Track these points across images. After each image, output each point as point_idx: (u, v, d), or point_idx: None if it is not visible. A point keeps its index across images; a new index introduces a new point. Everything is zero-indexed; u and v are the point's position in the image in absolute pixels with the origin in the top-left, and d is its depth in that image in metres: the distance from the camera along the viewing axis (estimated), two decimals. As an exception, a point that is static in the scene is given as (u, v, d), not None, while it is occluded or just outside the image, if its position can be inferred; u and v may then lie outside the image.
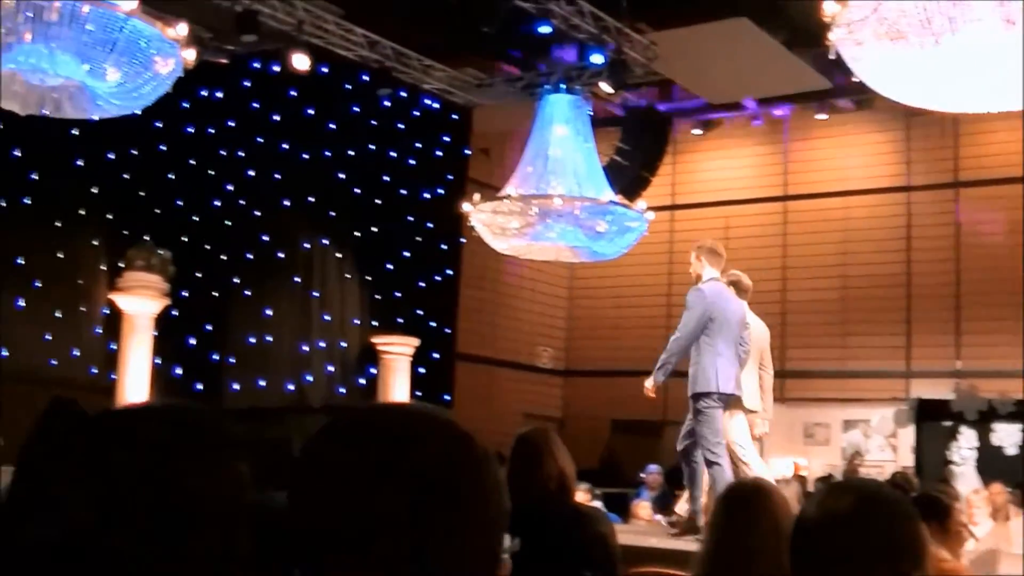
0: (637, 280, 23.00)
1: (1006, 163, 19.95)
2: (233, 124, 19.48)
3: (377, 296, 20.06)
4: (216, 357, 19.01)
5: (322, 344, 19.62)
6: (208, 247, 19.36)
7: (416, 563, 1.59)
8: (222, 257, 19.40)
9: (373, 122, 19.78)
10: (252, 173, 19.43)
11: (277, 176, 19.35)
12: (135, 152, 18.59)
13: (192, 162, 19.32)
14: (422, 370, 19.68)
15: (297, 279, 19.51)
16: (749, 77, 18.94)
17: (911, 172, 21.88)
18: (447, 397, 19.47)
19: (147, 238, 17.90)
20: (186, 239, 18.92)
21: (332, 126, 19.57)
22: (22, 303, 17.21)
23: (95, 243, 18.18)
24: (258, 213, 19.34)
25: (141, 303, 17.75)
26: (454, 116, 20.74)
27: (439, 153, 20.62)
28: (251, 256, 19.31)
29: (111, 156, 18.35)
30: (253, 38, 17.09)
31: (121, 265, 17.75)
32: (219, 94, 19.31)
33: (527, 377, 23.63)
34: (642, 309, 23.03)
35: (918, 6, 9.76)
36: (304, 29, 17.52)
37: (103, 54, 10.87)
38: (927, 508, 5.38)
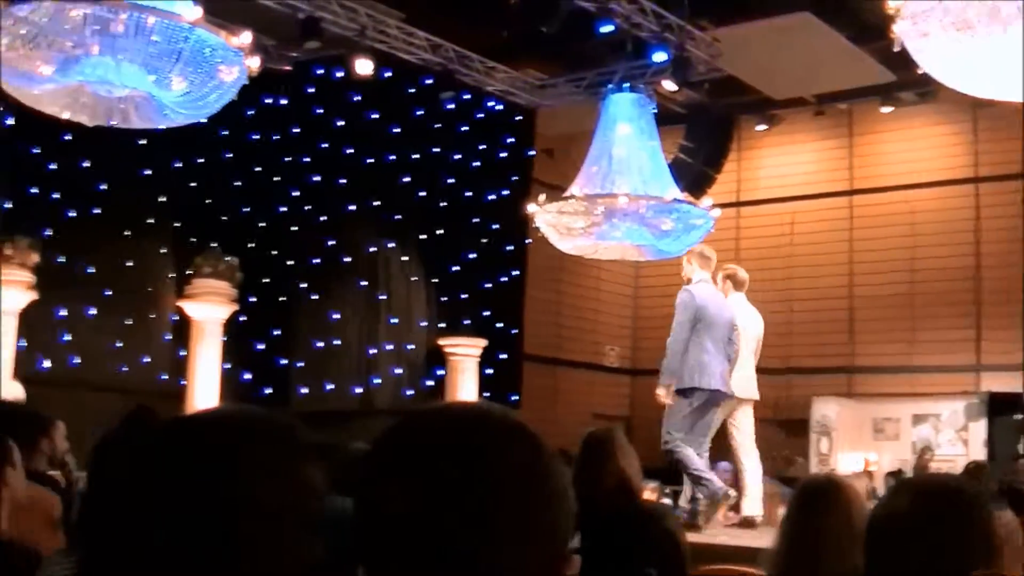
0: (704, 277, 22.91)
1: (1076, 152, 19.74)
2: (297, 130, 19.60)
3: (443, 298, 20.09)
4: (284, 361, 19.14)
5: (389, 347, 19.67)
6: (274, 253, 19.49)
7: (486, 565, 1.59)
8: (288, 262, 19.53)
9: (436, 125, 19.79)
10: (317, 178, 19.54)
11: (342, 181, 19.44)
12: (201, 160, 18.77)
13: (257, 169, 19.46)
14: (489, 371, 19.69)
15: (363, 283, 19.58)
16: (813, 72, 18.82)
17: (978, 164, 21.65)
18: (514, 398, 19.47)
19: (214, 245, 18.07)
20: (253, 245, 19.07)
21: (396, 130, 19.61)
22: (93, 311, 17.41)
23: (163, 251, 18.35)
24: (323, 218, 19.44)
25: (209, 309, 17.91)
26: (517, 117, 20.72)
27: (503, 155, 20.61)
28: (317, 261, 19.42)
29: (178, 165, 18.53)
30: (316, 44, 17.15)
31: (189, 272, 17.94)
32: (283, 101, 19.42)
33: (594, 376, 23.59)
34: (709, 307, 22.94)
35: (984, -5, 9.68)
36: (367, 34, 17.57)
37: (168, 64, 10.92)
38: (1015, 500, 5.34)
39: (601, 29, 16.76)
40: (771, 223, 23.09)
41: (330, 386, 19.00)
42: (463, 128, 20.19)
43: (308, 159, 19.59)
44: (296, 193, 19.63)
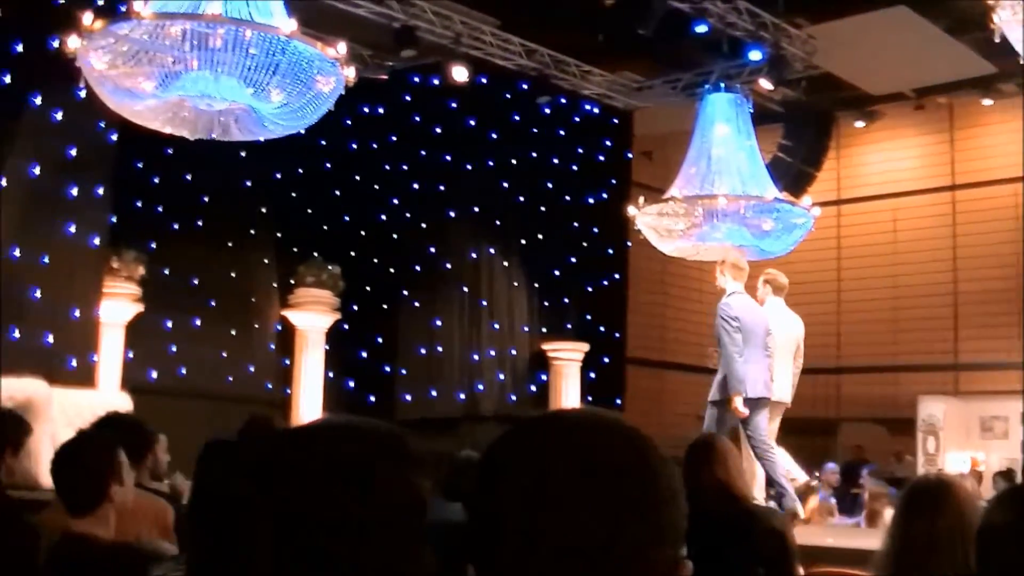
0: (805, 277, 22.65)
1: None
2: (395, 138, 19.69)
3: (545, 303, 20.09)
4: (388, 369, 19.21)
5: (492, 352, 19.68)
6: (376, 260, 19.59)
7: (600, 569, 1.59)
8: (390, 270, 19.61)
9: (534, 130, 19.80)
10: (416, 186, 19.61)
11: (441, 188, 19.50)
12: (301, 171, 18.92)
13: (357, 178, 19.58)
14: (592, 375, 19.66)
15: (465, 288, 19.60)
16: (910, 66, 18.61)
17: (1086, 154, 21.30)
18: (618, 401, 19.40)
19: (316, 254, 18.22)
20: (354, 254, 19.18)
21: (494, 135, 19.65)
22: (198, 322, 17.61)
23: (266, 261, 18.52)
24: (424, 225, 19.50)
25: (313, 318, 18.06)
26: (615, 120, 20.67)
27: (601, 158, 20.56)
28: (419, 268, 19.48)
29: (278, 176, 18.70)
30: (412, 53, 17.25)
31: (292, 282, 18.10)
32: (381, 109, 19.52)
33: (697, 379, 23.36)
34: (811, 306, 22.67)
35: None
36: (462, 41, 17.63)
37: (266, 76, 11.02)
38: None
39: (696, 29, 16.68)
40: (873, 220, 22.87)
41: (434, 393, 19.04)
42: (561, 132, 20.17)
43: (407, 167, 19.66)
44: (396, 201, 19.71)
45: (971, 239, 21.91)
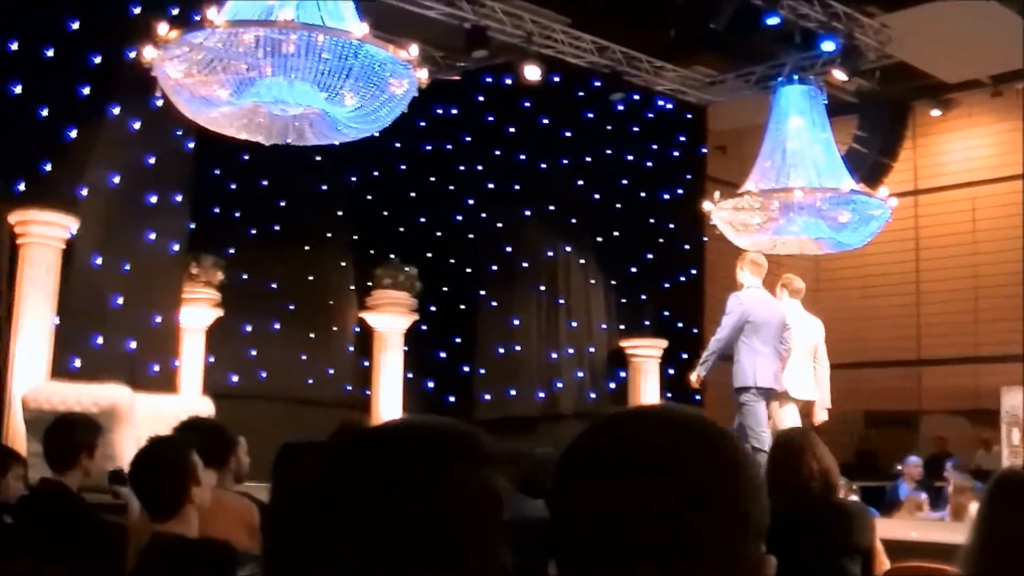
0: (884, 268, 22.56)
1: None
2: (469, 139, 19.73)
3: (622, 300, 20.05)
4: (466, 369, 19.24)
5: (570, 350, 19.66)
6: (453, 261, 19.63)
7: (682, 566, 1.59)
8: (467, 270, 19.65)
9: (608, 127, 19.76)
10: (491, 185, 19.63)
11: (516, 187, 19.51)
12: (376, 173, 19.03)
13: (432, 179, 19.62)
14: (671, 371, 19.57)
15: (542, 287, 19.59)
16: (986, 52, 18.39)
17: None
18: (697, 397, 19.29)
19: (393, 256, 18.29)
20: (431, 255, 19.24)
21: (567, 134, 19.63)
22: (278, 326, 17.74)
23: (343, 264, 18.61)
24: (500, 224, 19.51)
25: (391, 320, 18.13)
26: (688, 115, 20.61)
27: (676, 153, 20.50)
28: (495, 267, 19.50)
29: (353, 179, 18.81)
30: (484, 53, 17.29)
31: (369, 284, 18.19)
32: (454, 110, 19.58)
33: (776, 373, 23.35)
34: (891, 298, 22.60)
35: None
36: (533, 40, 17.66)
37: (340, 80, 11.08)
38: None
39: (768, 21, 16.58)
40: (952, 210, 22.63)
41: (513, 392, 19.04)
42: (634, 129, 20.13)
43: (482, 167, 19.69)
44: (471, 201, 19.74)
45: (1052, 226, 21.64)
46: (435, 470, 1.83)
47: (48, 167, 13.16)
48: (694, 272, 20.34)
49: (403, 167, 19.46)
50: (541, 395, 19.15)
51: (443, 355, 19.42)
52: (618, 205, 19.94)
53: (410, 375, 18.53)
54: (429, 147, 19.58)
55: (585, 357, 19.80)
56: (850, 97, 19.26)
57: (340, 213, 18.69)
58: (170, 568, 4.73)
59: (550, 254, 19.60)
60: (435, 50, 17.93)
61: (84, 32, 13.37)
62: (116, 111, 13.70)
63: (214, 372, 16.52)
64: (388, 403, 17.78)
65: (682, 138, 20.56)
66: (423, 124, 18.53)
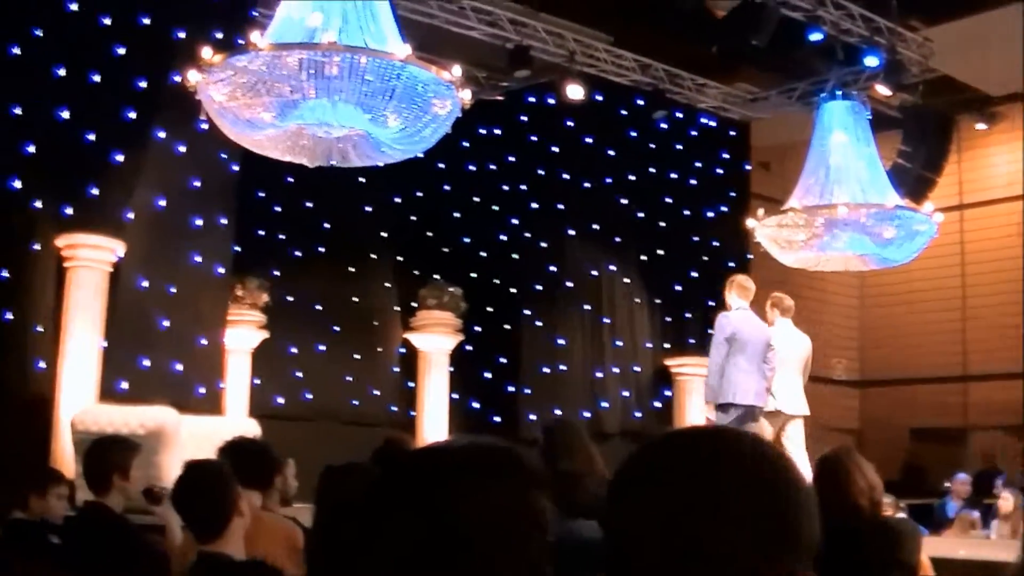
0: (929, 284, 22.39)
1: None
2: (513, 158, 19.74)
3: (667, 318, 20.01)
4: (511, 388, 19.22)
5: (616, 369, 19.62)
6: (497, 281, 19.63)
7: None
8: (512, 290, 19.64)
9: (651, 145, 19.74)
10: (535, 205, 19.64)
11: (560, 206, 19.50)
12: (420, 194, 19.07)
13: (476, 199, 19.66)
14: (716, 389, 19.50)
15: (587, 306, 19.57)
16: (1029, 64, 18.28)
17: None
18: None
19: (437, 277, 18.32)
20: (475, 275, 19.25)
21: (611, 152, 19.63)
22: (323, 347, 17.80)
23: (388, 285, 18.66)
24: (544, 244, 19.51)
25: (436, 340, 18.16)
26: (732, 132, 20.57)
27: (719, 170, 20.45)
28: (540, 287, 19.48)
29: (397, 199, 18.86)
30: (526, 73, 17.33)
31: (414, 304, 18.21)
32: (497, 130, 19.60)
33: (823, 390, 23.19)
34: (937, 313, 22.44)
35: None
36: (576, 59, 17.69)
37: (383, 102, 11.13)
38: None
39: (810, 37, 16.53)
40: (997, 224, 22.42)
41: (558, 411, 18.99)
42: (678, 146, 20.10)
43: (525, 186, 19.71)
44: (515, 221, 19.74)
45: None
46: (480, 491, 1.83)
47: (95, 191, 13.27)
48: (739, 290, 20.27)
49: (447, 187, 19.51)
50: (586, 414, 19.09)
51: (488, 375, 19.42)
52: (662, 223, 19.90)
53: (455, 395, 18.54)
54: (473, 167, 19.62)
55: (630, 376, 19.75)
56: (894, 112, 19.16)
57: (384, 234, 18.74)
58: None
59: (594, 273, 19.57)
60: (478, 70, 17.98)
61: (130, 57, 13.50)
62: (162, 135, 13.80)
63: (260, 393, 16.59)
64: (433, 424, 17.80)
65: (725, 155, 20.51)
66: (467, 144, 18.57)
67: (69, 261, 13.18)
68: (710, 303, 19.59)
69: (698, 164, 20.19)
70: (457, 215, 19.58)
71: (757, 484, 1.65)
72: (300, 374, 17.59)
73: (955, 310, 22.12)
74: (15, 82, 13.19)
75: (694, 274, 19.89)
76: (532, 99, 19.24)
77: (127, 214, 13.50)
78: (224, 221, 14.66)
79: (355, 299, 18.24)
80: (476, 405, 19.08)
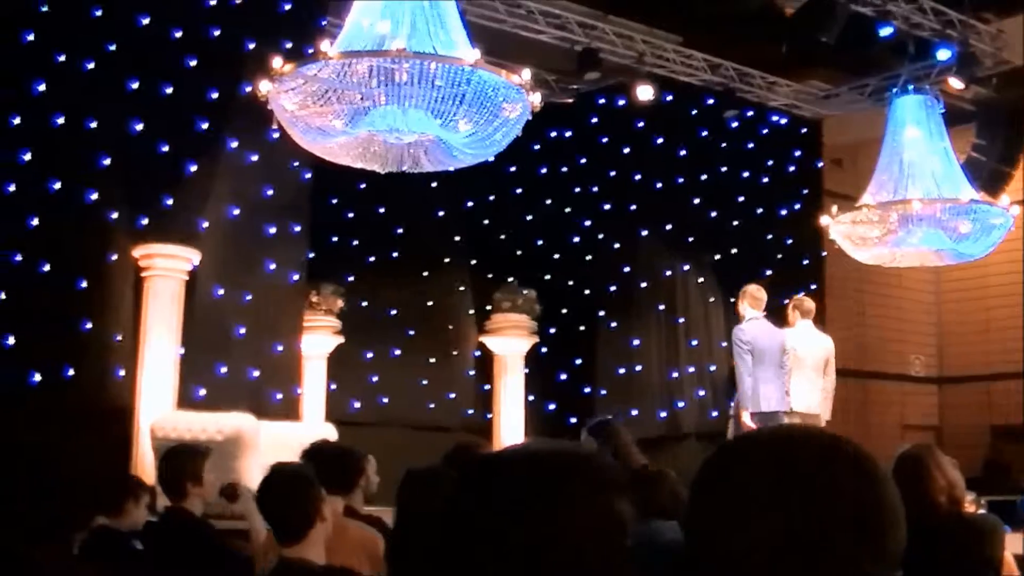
0: (1007, 279, 22.10)
1: None
2: (584, 160, 19.76)
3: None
4: (587, 390, 19.21)
5: (691, 369, 19.54)
6: (571, 283, 19.65)
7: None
8: (585, 291, 19.65)
9: (722, 144, 19.66)
10: (607, 206, 19.63)
11: (632, 207, 19.47)
12: (492, 198, 19.11)
13: (548, 201, 19.68)
14: (793, 388, 19.39)
15: (661, 307, 19.52)
16: (1107, 52, 18.05)
17: None
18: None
19: (511, 279, 18.31)
20: (549, 277, 19.26)
21: (682, 152, 19.56)
22: (398, 352, 17.87)
23: (462, 288, 18.69)
24: (617, 245, 19.48)
25: (510, 343, 18.16)
26: (803, 130, 20.47)
27: (792, 168, 20.36)
28: (614, 288, 19.46)
29: (470, 204, 18.90)
30: (596, 75, 17.35)
31: (488, 308, 18.23)
32: (568, 133, 19.63)
33: (900, 387, 23.03)
34: (1015, 308, 22.14)
35: None
36: (645, 60, 17.67)
37: (453, 107, 11.15)
38: None
39: (881, 32, 16.40)
40: (1075, 216, 22.17)
41: (635, 412, 18.94)
42: (749, 145, 20.01)
43: (597, 188, 19.71)
44: (588, 223, 19.74)
45: None
46: (558, 495, 1.83)
47: (169, 201, 13.39)
48: (813, 287, 20.09)
49: (519, 191, 19.54)
50: (663, 415, 19.05)
51: (564, 377, 19.43)
52: (735, 222, 19.81)
53: (531, 398, 18.53)
54: (544, 170, 19.64)
55: (706, 376, 19.65)
56: (968, 105, 18.99)
57: (457, 238, 18.78)
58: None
59: (668, 273, 19.52)
60: (547, 73, 18.01)
61: (201, 68, 13.62)
62: (234, 144, 13.90)
63: (336, 399, 16.67)
64: (509, 427, 17.80)
65: (797, 153, 20.42)
66: (537, 147, 18.59)
67: (146, 271, 13.31)
68: (784, 301, 19.54)
69: (770, 162, 20.10)
70: (529, 218, 19.61)
71: (849, 494, 1.65)
72: (376, 379, 17.67)
73: (1032, 306, 21.89)
74: (90, 97, 13.34)
75: (768, 272, 19.76)
76: (602, 101, 19.25)
77: (202, 224, 13.61)
78: (297, 229, 14.75)
79: (429, 303, 18.30)
80: (552, 407, 19.07)
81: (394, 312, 17.96)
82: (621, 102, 18.53)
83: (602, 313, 19.45)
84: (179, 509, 6.55)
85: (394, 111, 11.28)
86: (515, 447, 2.06)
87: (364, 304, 17.44)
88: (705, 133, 19.57)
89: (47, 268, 12.95)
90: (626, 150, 19.50)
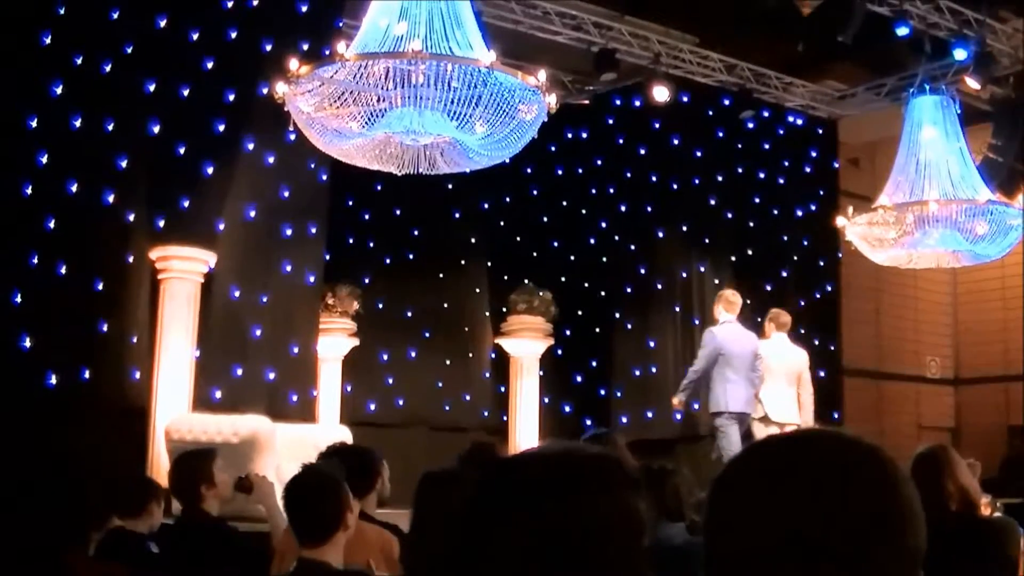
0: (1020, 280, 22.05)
1: None
2: (601, 161, 19.76)
3: (759, 318, 19.88)
4: (603, 392, 19.21)
5: (708, 370, 19.55)
6: (587, 284, 19.65)
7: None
8: (602, 292, 19.65)
9: (739, 144, 19.66)
10: (624, 207, 19.63)
11: (649, 208, 19.47)
12: (509, 199, 19.12)
13: (564, 202, 19.68)
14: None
15: (677, 308, 19.49)
16: None
17: None
18: (836, 415, 19.13)
19: (527, 281, 18.30)
20: (565, 278, 19.26)
21: (698, 153, 19.54)
22: (414, 354, 17.90)
23: (478, 290, 18.70)
24: (633, 246, 19.47)
25: (527, 344, 18.15)
26: (820, 130, 20.45)
27: (808, 169, 20.35)
28: (630, 289, 19.45)
29: (486, 205, 18.89)
30: (612, 76, 17.35)
31: (504, 309, 18.22)
32: (584, 134, 19.64)
33: (916, 388, 22.97)
34: (1025, 310, 22.10)
35: None
36: (661, 61, 17.66)
37: (470, 109, 11.14)
38: None
39: (898, 32, 16.35)
40: (1093, 215, 22.10)
41: (651, 413, 18.95)
42: (766, 145, 20.01)
43: (613, 189, 19.71)
44: (604, 224, 19.74)
45: None
46: (576, 496, 1.83)
47: (187, 203, 13.41)
48: (830, 288, 20.15)
49: (535, 192, 19.55)
50: (678, 416, 19.00)
51: (580, 379, 19.43)
52: (751, 223, 19.81)
53: (547, 399, 18.53)
54: (561, 171, 19.65)
55: (723, 377, 19.65)
56: (984, 105, 18.94)
57: (474, 240, 18.79)
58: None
59: (684, 274, 19.50)
60: (564, 74, 18.02)
61: (218, 70, 13.64)
62: (251, 146, 13.92)
63: (352, 400, 16.69)
64: (525, 428, 17.79)
65: (814, 153, 20.40)
66: (554, 148, 18.62)
67: (163, 272, 13.33)
68: (801, 302, 19.52)
69: (786, 163, 20.10)
70: (546, 219, 19.62)
71: (871, 495, 1.65)
72: (392, 381, 17.70)
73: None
74: (107, 98, 13.36)
75: (785, 273, 19.78)
76: (619, 102, 19.26)
77: (219, 225, 13.63)
78: (314, 230, 14.76)
79: (445, 305, 18.32)
80: (568, 409, 19.08)
81: (410, 314, 17.99)
82: (637, 103, 18.53)
83: (618, 314, 19.44)
84: (196, 510, 6.56)
85: (410, 113, 11.30)
86: (532, 449, 2.07)
87: (380, 306, 17.48)
88: (721, 134, 19.56)
89: (64, 269, 12.96)
90: (642, 151, 19.50)
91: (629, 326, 19.37)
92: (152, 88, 13.50)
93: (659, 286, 19.38)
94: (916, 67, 17.53)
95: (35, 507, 3.49)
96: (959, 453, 5.68)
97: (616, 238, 19.61)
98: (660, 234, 19.38)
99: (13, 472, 3.54)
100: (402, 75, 10.95)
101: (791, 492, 1.63)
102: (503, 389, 18.39)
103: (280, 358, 14.24)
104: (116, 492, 6.74)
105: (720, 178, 19.60)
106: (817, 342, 19.49)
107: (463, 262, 18.60)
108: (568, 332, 19.10)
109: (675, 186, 19.42)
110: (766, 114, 19.55)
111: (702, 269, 19.53)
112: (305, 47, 13.64)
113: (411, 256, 18.04)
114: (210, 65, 13.65)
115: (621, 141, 19.62)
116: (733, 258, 19.69)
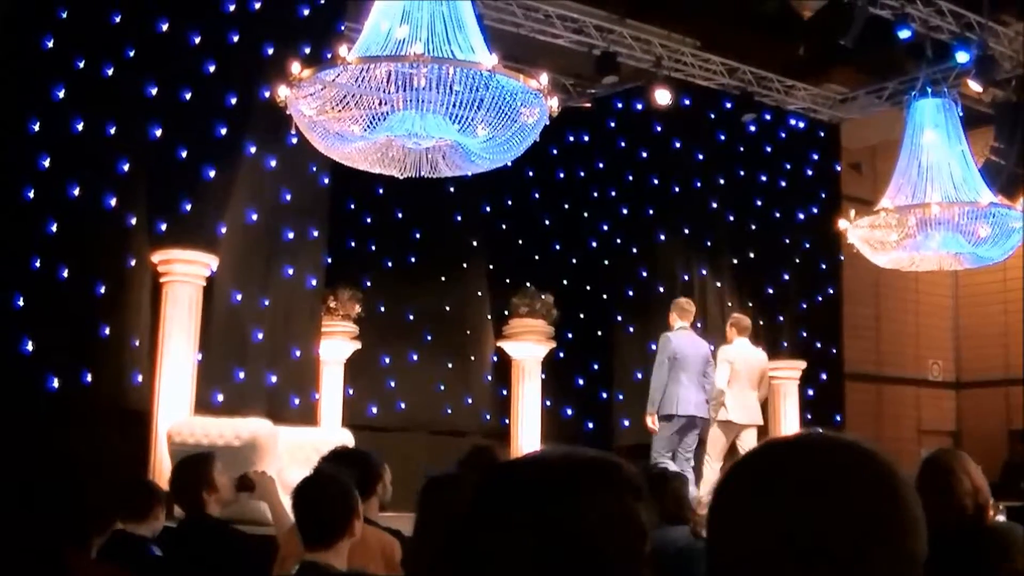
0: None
1: None
2: (602, 164, 19.77)
3: (760, 321, 19.86)
4: (605, 395, 19.20)
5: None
6: (589, 287, 19.65)
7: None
8: (603, 296, 19.64)
9: (740, 148, 19.66)
10: (625, 210, 19.63)
11: (650, 211, 19.46)
12: (510, 202, 19.12)
13: (566, 206, 19.69)
14: (811, 392, 19.36)
15: (679, 311, 19.52)
16: None
17: None
18: (838, 418, 19.12)
19: (529, 284, 18.30)
20: (567, 282, 19.27)
21: (700, 156, 19.52)
22: (415, 357, 17.91)
23: (479, 293, 18.70)
24: (635, 249, 19.47)
25: (528, 348, 18.15)
26: (821, 133, 20.43)
27: (810, 172, 20.34)
28: (632, 292, 19.45)
29: (487, 208, 18.89)
30: (614, 79, 17.34)
31: (506, 313, 18.23)
32: (586, 137, 19.66)
33: (917, 392, 22.97)
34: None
35: None
36: (663, 64, 17.66)
37: (471, 112, 11.14)
38: None
39: (900, 35, 16.34)
40: (1094, 218, 22.09)
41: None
42: (767, 149, 20.01)
43: (615, 192, 19.71)
44: (606, 227, 19.75)
45: None
46: (578, 501, 1.83)
47: (189, 207, 13.41)
48: (831, 292, 20.13)
49: (537, 195, 19.55)
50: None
51: (581, 382, 19.43)
52: (753, 226, 19.80)
53: (548, 403, 18.52)
54: (562, 174, 19.66)
55: (724, 380, 19.64)
56: (986, 108, 18.94)
57: (475, 243, 18.79)
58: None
59: (686, 277, 19.47)
60: (565, 78, 18.03)
61: (220, 74, 13.65)
62: (253, 149, 13.92)
63: (353, 404, 16.70)
64: (527, 432, 17.79)
65: (815, 156, 20.39)
66: (555, 152, 18.63)
67: (164, 276, 13.33)
68: (803, 305, 19.52)
69: (788, 166, 20.08)
70: (547, 222, 19.62)
71: (872, 501, 1.64)
72: (393, 384, 17.71)
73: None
74: (109, 102, 13.36)
75: (786, 277, 19.78)
76: (620, 105, 19.26)
77: (220, 229, 13.63)
78: (316, 233, 14.75)
79: (447, 308, 18.33)
80: (569, 412, 19.09)
81: (412, 317, 18.00)
82: (639, 106, 18.54)
83: (620, 318, 19.44)
84: (198, 514, 6.56)
85: (412, 116, 11.29)
86: (537, 454, 2.06)
87: (382, 309, 17.50)
88: (723, 137, 19.57)
89: (66, 273, 12.96)
90: (644, 154, 19.49)
91: (630, 329, 19.35)
92: (153, 91, 13.50)
93: (660, 289, 19.34)
94: (917, 70, 17.52)
95: (36, 509, 3.49)
96: (966, 455, 5.66)
97: (617, 241, 19.61)
98: (661, 237, 19.38)
99: (14, 474, 3.53)
100: (404, 78, 10.95)
101: (790, 495, 1.63)
102: (504, 392, 18.39)
103: (281, 361, 14.24)
104: (119, 495, 6.73)
105: (721, 181, 19.59)
106: (818, 345, 19.51)
107: (464, 265, 18.61)
108: (569, 335, 19.10)
109: (676, 189, 19.43)
110: (767, 117, 19.55)
111: (703, 272, 19.52)
112: (307, 50, 13.66)
113: (412, 259, 18.05)
114: (211, 69, 13.66)
115: (622, 144, 19.62)
116: (734, 261, 19.68)
